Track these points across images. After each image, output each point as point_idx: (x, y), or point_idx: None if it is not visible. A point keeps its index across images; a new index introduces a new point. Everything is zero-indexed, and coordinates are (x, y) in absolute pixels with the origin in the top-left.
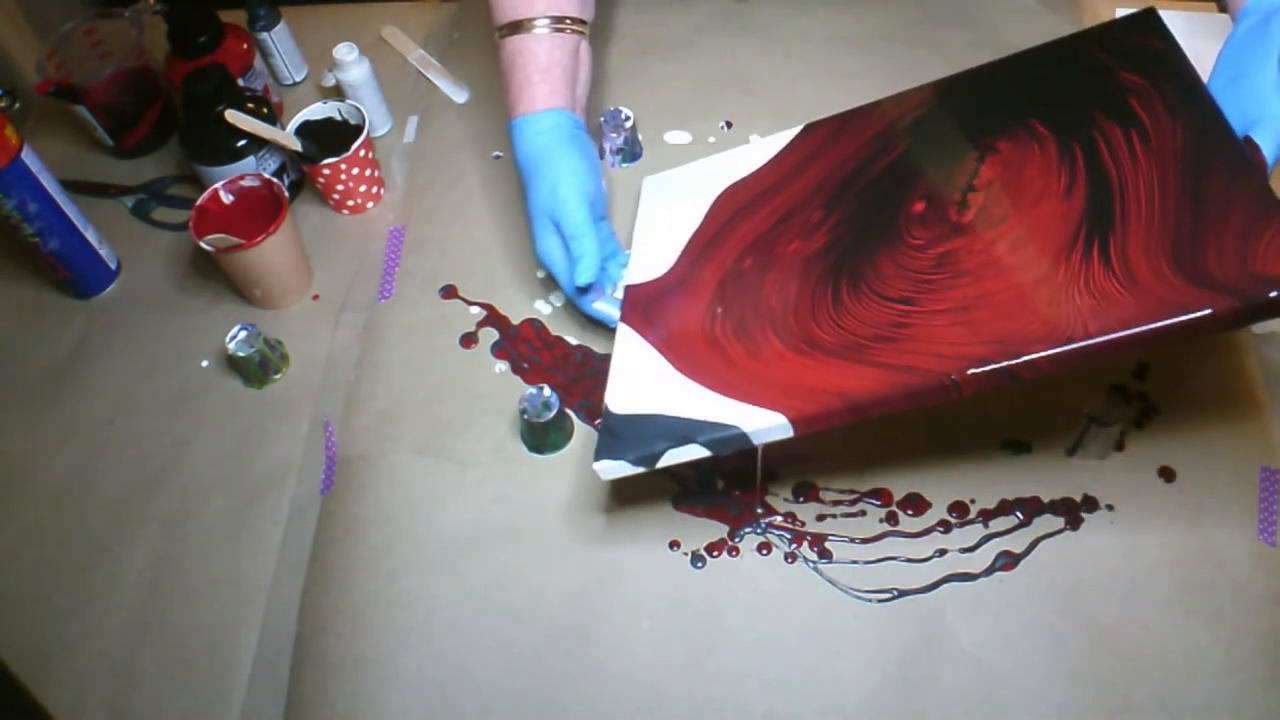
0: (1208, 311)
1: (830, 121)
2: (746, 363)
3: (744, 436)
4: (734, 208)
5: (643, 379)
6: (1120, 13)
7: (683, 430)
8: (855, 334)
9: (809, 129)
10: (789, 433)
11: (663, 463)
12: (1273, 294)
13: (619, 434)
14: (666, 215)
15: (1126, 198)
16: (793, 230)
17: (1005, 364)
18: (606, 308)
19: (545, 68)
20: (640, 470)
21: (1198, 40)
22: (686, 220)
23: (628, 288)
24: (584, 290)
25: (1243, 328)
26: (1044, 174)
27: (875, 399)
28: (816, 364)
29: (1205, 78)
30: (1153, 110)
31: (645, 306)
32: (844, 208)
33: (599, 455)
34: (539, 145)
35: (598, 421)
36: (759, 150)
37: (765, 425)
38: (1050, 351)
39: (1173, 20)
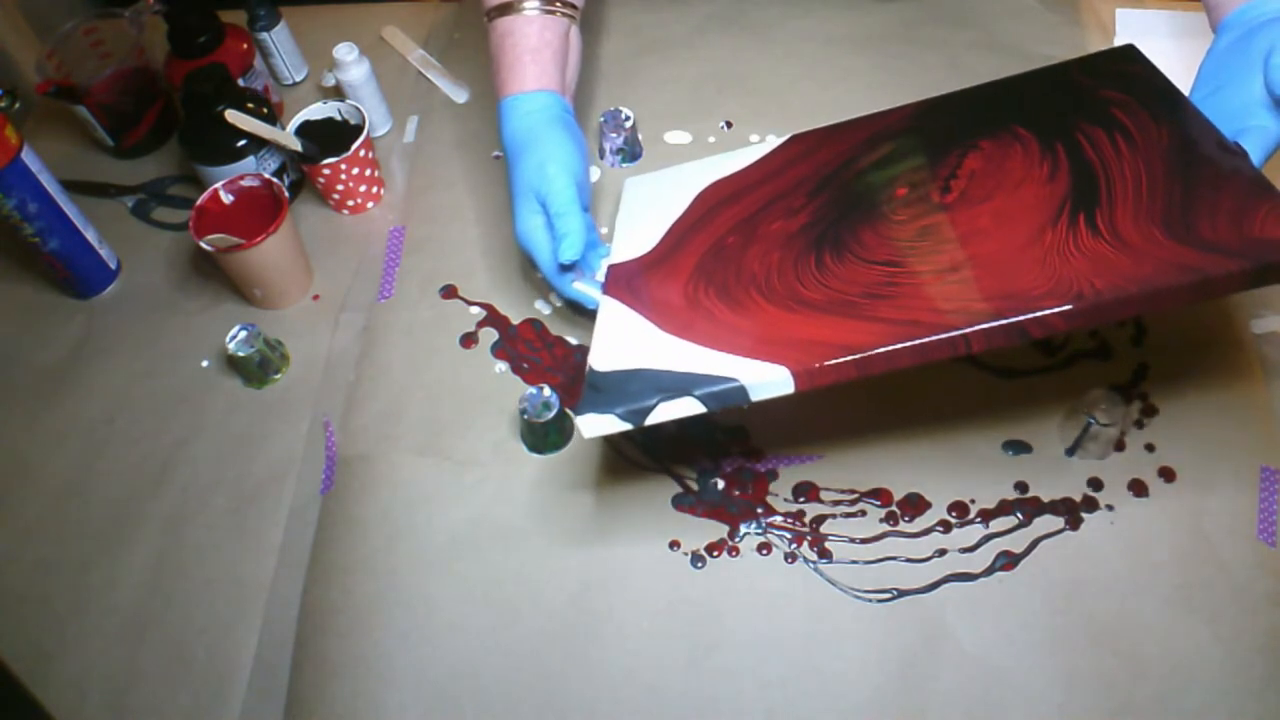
0: (1218, 271)
1: (816, 132)
2: (734, 320)
3: (743, 390)
4: (717, 199)
5: (628, 339)
6: (1120, 13)
7: (676, 383)
8: (843, 292)
9: (795, 138)
10: (790, 387)
11: (654, 418)
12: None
13: (603, 389)
14: (649, 207)
15: (1113, 182)
16: (776, 213)
17: (1017, 319)
18: (587, 288)
19: (535, 49)
20: (627, 427)
21: (1196, 40)
22: (670, 210)
23: (610, 266)
24: (565, 270)
25: (1250, 289)
26: (1026, 164)
27: (881, 354)
28: (810, 319)
29: (1191, 76)
30: (1136, 118)
31: (628, 281)
32: (827, 194)
33: (582, 409)
34: (528, 125)
35: None
36: (743, 155)
37: (766, 379)
38: (1062, 308)
39: (1159, 19)
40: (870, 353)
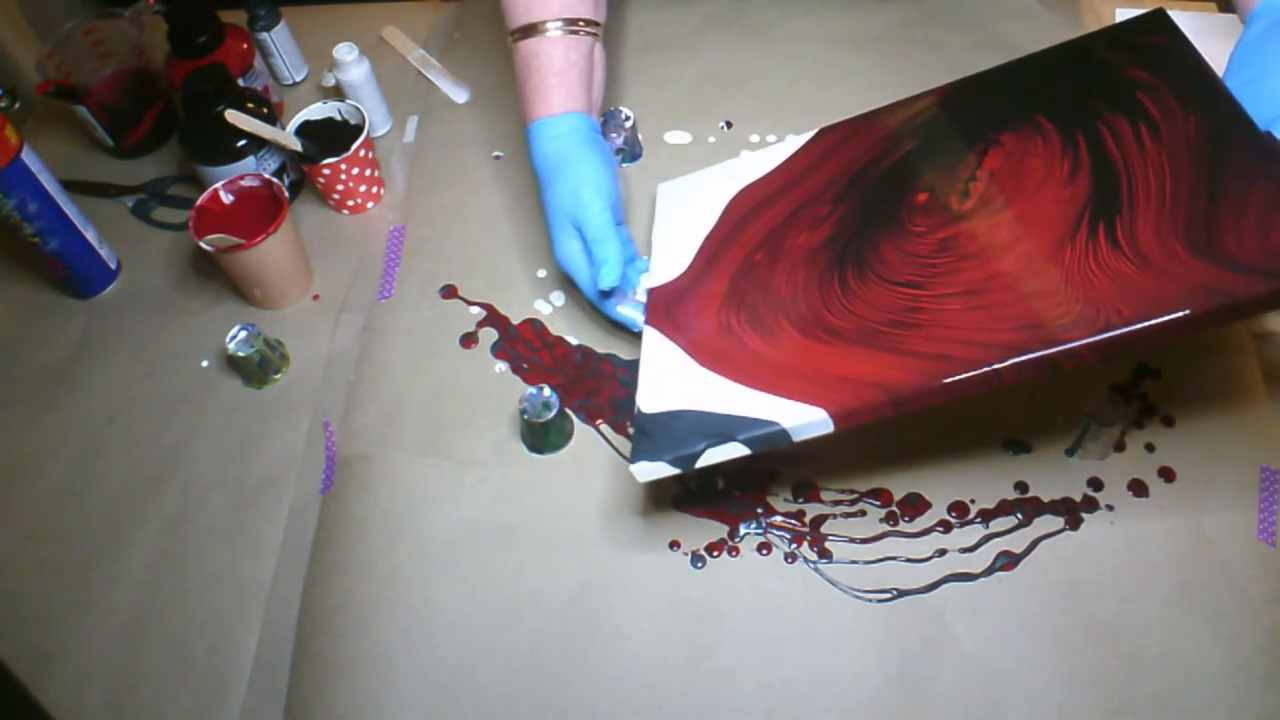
0: (1245, 294)
1: (844, 125)
2: (766, 351)
3: (785, 433)
4: (747, 208)
5: (669, 377)
6: (1120, 12)
7: (719, 427)
8: (869, 319)
9: (824, 132)
10: (830, 428)
11: (702, 462)
12: None
13: (652, 434)
14: (683, 219)
15: (1134, 184)
16: (801, 224)
17: (1047, 352)
18: (631, 311)
19: (561, 70)
20: (677, 472)
21: (1202, 40)
22: (702, 222)
23: (650, 290)
24: (606, 295)
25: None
26: (1046, 163)
27: (916, 391)
28: (840, 352)
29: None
30: (1162, 103)
31: (666, 307)
32: (850, 201)
33: (635, 457)
34: (558, 149)
35: (598, 422)
36: (773, 153)
37: (806, 421)
38: (1092, 339)
39: (1184, 20)
40: (906, 393)
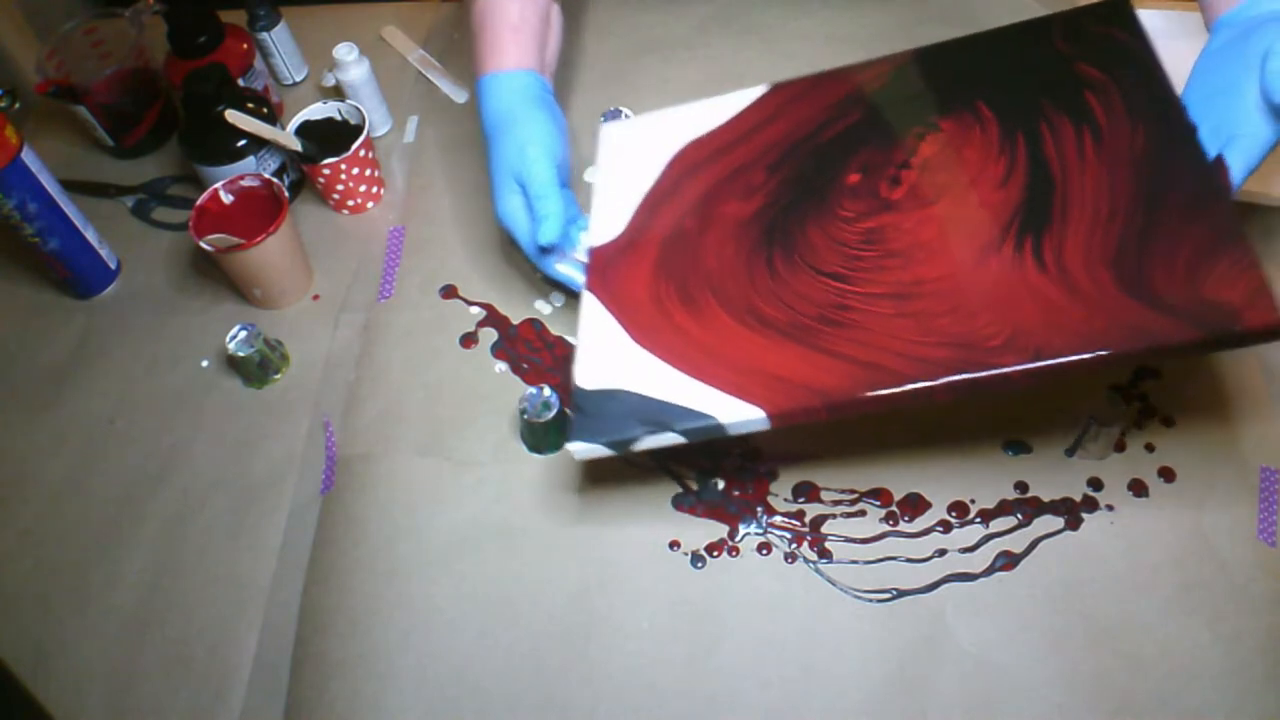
0: (1170, 340)
1: (798, 82)
2: (697, 332)
3: (721, 428)
4: (689, 165)
5: (607, 352)
6: None
7: (656, 415)
8: (799, 311)
9: (777, 87)
10: (766, 426)
11: (639, 447)
12: (1238, 328)
13: (590, 413)
14: (625, 171)
15: (1069, 196)
16: (735, 190)
17: (978, 375)
18: (569, 270)
19: (515, 26)
20: (614, 454)
21: (1172, 41)
22: (644, 177)
23: (591, 250)
24: (546, 252)
25: (1208, 353)
26: (982, 158)
27: (849, 400)
28: (773, 344)
29: (1184, 80)
30: (1110, 108)
31: (604, 270)
32: (785, 171)
33: (573, 436)
34: (507, 104)
35: None
36: (722, 106)
37: (742, 418)
38: (1023, 366)
39: (1156, 19)
40: (840, 401)
